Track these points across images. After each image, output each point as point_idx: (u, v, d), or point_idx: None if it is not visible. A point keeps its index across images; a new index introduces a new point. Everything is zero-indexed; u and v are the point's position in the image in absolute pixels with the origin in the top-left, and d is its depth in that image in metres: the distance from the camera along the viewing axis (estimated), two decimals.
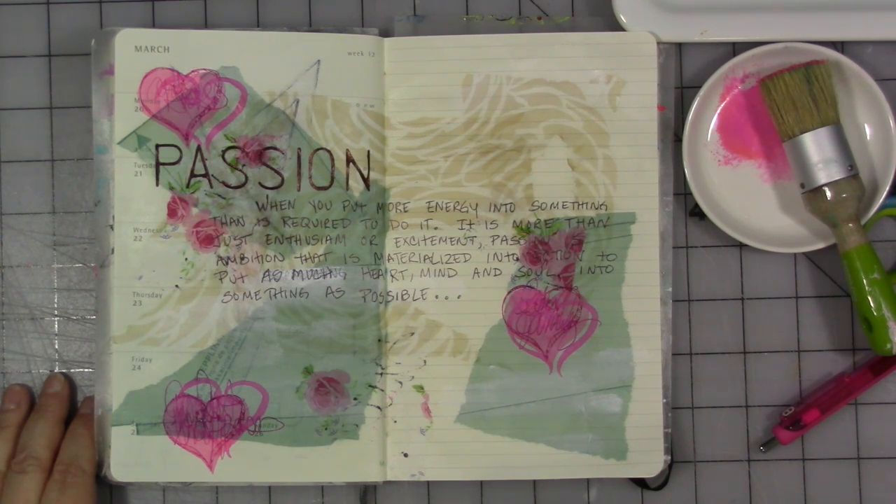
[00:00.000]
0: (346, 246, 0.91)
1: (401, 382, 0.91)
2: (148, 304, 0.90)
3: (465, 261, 0.91)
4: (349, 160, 0.91)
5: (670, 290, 0.91)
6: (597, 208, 0.91)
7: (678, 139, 0.91)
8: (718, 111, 0.92)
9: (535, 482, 0.93)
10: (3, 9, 0.94)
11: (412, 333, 0.91)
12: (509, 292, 0.91)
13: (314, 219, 0.91)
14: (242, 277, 0.90)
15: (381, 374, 0.91)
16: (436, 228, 0.91)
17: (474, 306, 0.91)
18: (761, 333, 0.93)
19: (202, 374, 0.90)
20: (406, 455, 0.91)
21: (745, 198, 0.92)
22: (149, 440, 0.90)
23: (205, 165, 0.90)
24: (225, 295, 0.90)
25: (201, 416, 0.90)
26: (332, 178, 0.91)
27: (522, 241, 0.91)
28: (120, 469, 0.90)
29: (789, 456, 0.93)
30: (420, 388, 0.91)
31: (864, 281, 0.88)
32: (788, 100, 0.88)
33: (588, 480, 0.92)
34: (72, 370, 0.93)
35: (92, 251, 0.93)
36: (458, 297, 0.91)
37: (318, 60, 0.91)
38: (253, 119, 0.91)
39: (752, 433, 0.93)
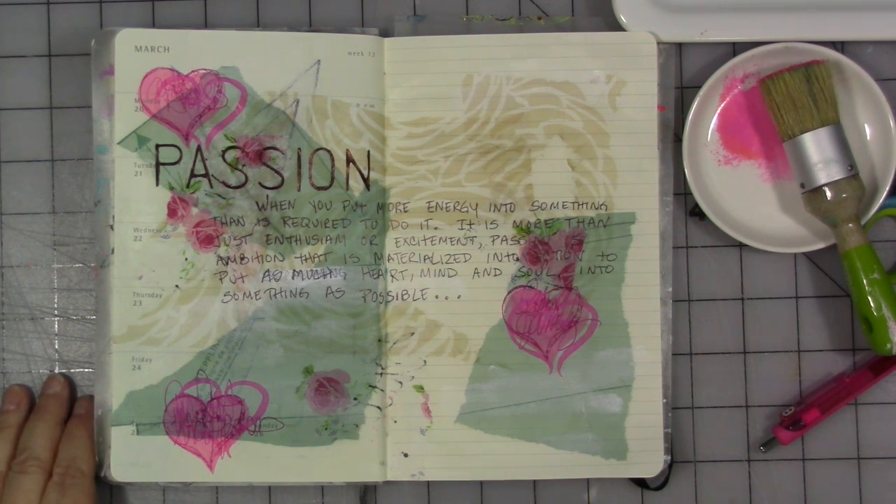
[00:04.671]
0: (346, 246, 0.91)
1: (401, 382, 0.91)
2: (148, 304, 0.90)
3: (465, 261, 0.91)
4: (349, 160, 0.91)
5: (670, 290, 0.91)
6: (597, 208, 0.91)
7: (678, 139, 0.91)
8: (718, 111, 0.92)
9: (535, 482, 0.93)
10: (3, 9, 0.94)
11: (412, 333, 0.91)
12: (509, 292, 0.91)
13: (314, 219, 0.91)
14: (242, 277, 0.90)
15: (381, 374, 0.91)
16: (436, 228, 0.91)
17: (474, 306, 0.91)
18: (761, 333, 0.93)
19: (202, 374, 0.90)
20: (406, 455, 0.91)
21: (745, 198, 0.92)
22: (149, 440, 0.90)
23: (205, 165, 0.90)
24: (225, 295, 0.90)
25: (201, 416, 0.90)
26: (332, 178, 0.91)
27: (522, 241, 0.91)
28: (120, 469, 0.90)
29: (789, 456, 0.93)
30: (420, 388, 0.91)
31: (864, 281, 0.88)
32: (788, 100, 0.88)
33: (588, 480, 0.92)
34: (72, 370, 0.93)
35: (92, 251, 0.93)
36: (458, 297, 0.91)
37: (318, 60, 0.91)
38: (253, 119, 0.91)
39: (752, 433, 0.93)
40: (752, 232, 0.91)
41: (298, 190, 0.91)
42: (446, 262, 0.91)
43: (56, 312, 0.93)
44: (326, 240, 0.91)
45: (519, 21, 0.93)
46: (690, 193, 0.91)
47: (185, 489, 0.92)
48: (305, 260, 0.91)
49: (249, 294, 0.90)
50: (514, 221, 0.91)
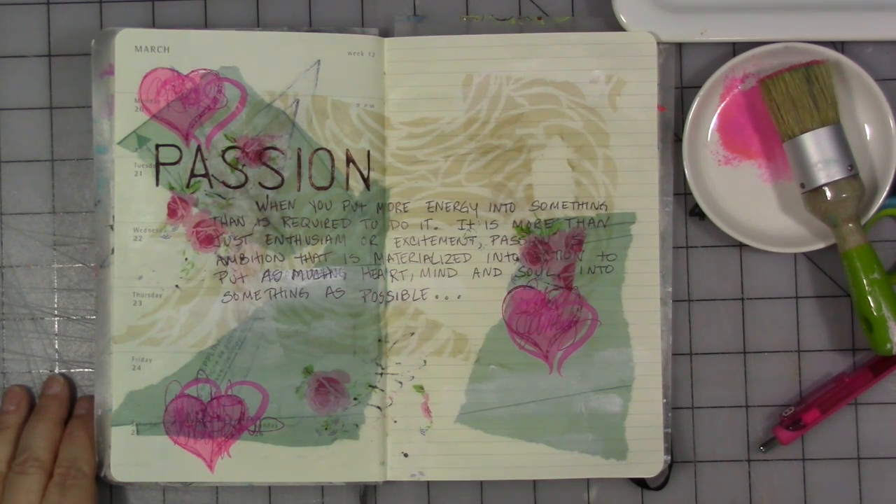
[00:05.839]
0: (346, 246, 0.91)
1: (401, 382, 0.91)
2: (148, 304, 0.90)
3: (465, 261, 0.91)
4: (349, 160, 0.91)
5: (670, 290, 0.91)
6: (597, 208, 0.91)
7: (678, 139, 0.91)
8: (718, 111, 0.92)
9: (535, 482, 0.93)
10: (3, 9, 0.94)
11: (412, 333, 0.91)
12: (509, 292, 0.91)
13: (314, 219, 0.91)
14: (242, 277, 0.90)
15: (381, 374, 0.91)
16: (436, 228, 0.91)
17: (474, 306, 0.91)
18: (761, 333, 0.93)
19: (202, 374, 0.90)
20: (406, 455, 0.91)
21: (745, 198, 0.92)
22: (149, 440, 0.90)
23: (205, 165, 0.90)
24: (225, 295, 0.90)
25: (201, 416, 0.90)
26: (332, 178, 0.91)
27: (522, 241, 0.91)
28: (120, 469, 0.90)
29: (789, 456, 0.93)
30: (420, 388, 0.91)
31: (864, 281, 0.88)
32: (788, 100, 0.88)
33: (588, 480, 0.92)
34: (72, 370, 0.93)
35: (92, 251, 0.93)
36: (458, 297, 0.91)
37: (318, 60, 0.91)
38: (253, 119, 0.91)
39: (752, 433, 0.93)
40: (752, 232, 0.91)
41: (298, 190, 0.91)
42: (446, 262, 0.91)
43: (56, 312, 0.93)
44: (326, 240, 0.91)
45: (519, 21, 0.93)
46: (690, 193, 0.91)
47: (185, 489, 0.92)
48: (305, 260, 0.91)
49: (249, 294, 0.90)
50: (514, 221, 0.91)
